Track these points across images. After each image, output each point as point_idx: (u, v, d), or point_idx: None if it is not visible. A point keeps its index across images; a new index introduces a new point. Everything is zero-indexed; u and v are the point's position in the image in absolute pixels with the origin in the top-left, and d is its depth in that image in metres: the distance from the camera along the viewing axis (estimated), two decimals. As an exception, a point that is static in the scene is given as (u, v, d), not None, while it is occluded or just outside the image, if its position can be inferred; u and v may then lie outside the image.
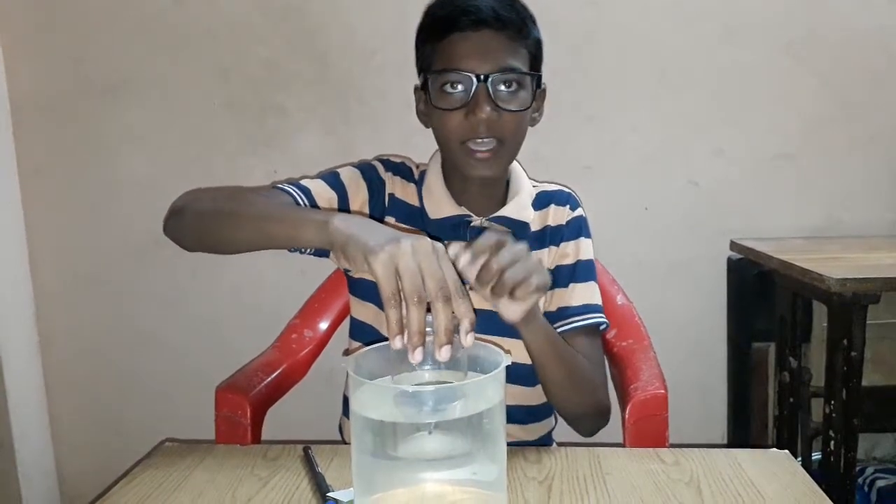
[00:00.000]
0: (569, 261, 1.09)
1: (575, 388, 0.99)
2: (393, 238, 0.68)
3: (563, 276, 1.09)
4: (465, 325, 0.67)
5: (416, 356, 0.64)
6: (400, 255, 0.66)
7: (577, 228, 1.11)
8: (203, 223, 0.89)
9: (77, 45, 1.67)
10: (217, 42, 1.66)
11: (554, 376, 0.97)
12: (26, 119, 1.70)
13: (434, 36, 1.00)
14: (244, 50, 1.66)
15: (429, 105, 1.01)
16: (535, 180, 1.15)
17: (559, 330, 1.05)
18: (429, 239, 0.70)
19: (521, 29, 0.99)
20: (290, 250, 0.89)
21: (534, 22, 1.03)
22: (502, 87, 0.98)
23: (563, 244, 1.10)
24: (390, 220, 1.07)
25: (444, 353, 0.65)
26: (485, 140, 0.98)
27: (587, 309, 1.07)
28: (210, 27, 1.66)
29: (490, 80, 0.96)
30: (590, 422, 1.05)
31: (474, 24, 0.96)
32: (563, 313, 1.07)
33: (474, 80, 0.96)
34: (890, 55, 1.63)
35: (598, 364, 1.09)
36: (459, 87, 0.97)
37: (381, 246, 0.67)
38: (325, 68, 1.66)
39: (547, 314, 1.06)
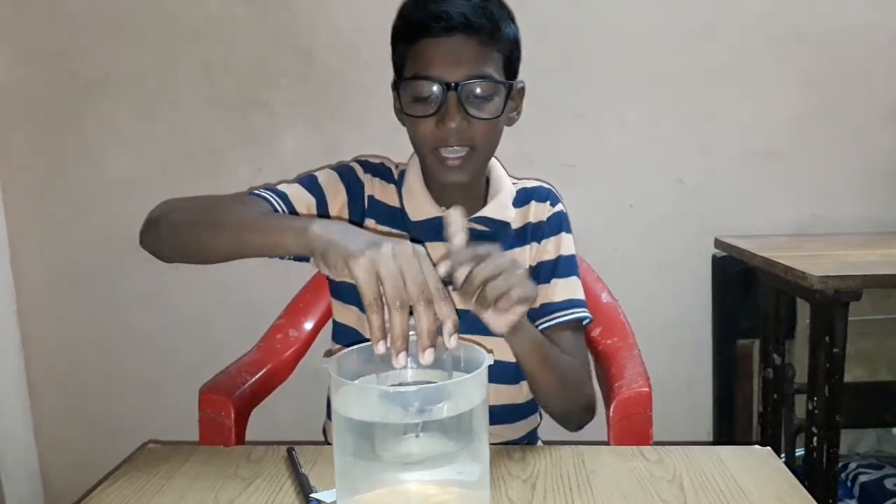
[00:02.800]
0: (550, 256, 1.09)
1: (564, 390, 1.00)
2: (373, 242, 0.68)
3: (544, 273, 1.08)
4: (449, 326, 0.66)
5: (400, 360, 0.64)
6: (381, 260, 0.66)
7: (558, 224, 1.11)
8: (179, 234, 0.87)
9: (59, 39, 1.66)
10: (201, 38, 1.65)
11: (543, 382, 0.97)
12: (7, 114, 1.68)
13: (405, 39, 0.99)
14: (228, 46, 1.65)
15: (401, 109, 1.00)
16: (514, 177, 1.15)
17: (542, 326, 1.05)
18: (410, 242, 0.69)
19: (494, 33, 0.96)
20: (269, 257, 0.88)
21: (511, 20, 1.01)
22: (473, 95, 0.96)
23: (543, 241, 1.10)
24: (370, 222, 1.06)
25: (427, 357, 0.65)
26: (456, 148, 0.97)
27: (570, 304, 1.07)
28: (194, 23, 1.65)
29: (460, 87, 0.94)
30: (577, 418, 1.05)
31: (445, 31, 0.94)
32: (546, 309, 1.06)
33: (444, 88, 0.94)
34: (873, 52, 1.65)
35: (582, 359, 1.08)
36: (429, 94, 0.95)
37: (361, 251, 0.66)
38: (310, 65, 1.66)
39: (530, 311, 1.04)
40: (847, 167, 1.69)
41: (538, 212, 1.11)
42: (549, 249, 1.09)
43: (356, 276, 0.66)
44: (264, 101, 1.67)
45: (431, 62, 0.95)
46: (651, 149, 1.68)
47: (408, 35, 0.98)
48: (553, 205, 1.12)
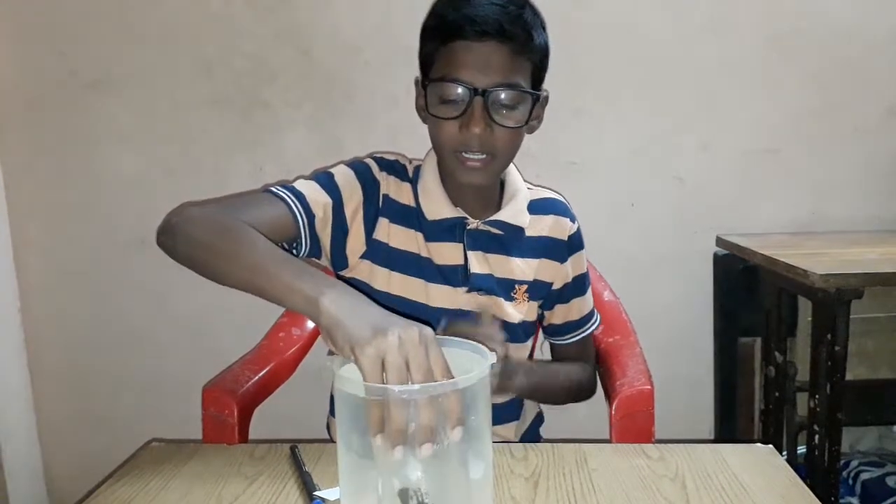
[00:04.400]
0: (569, 278, 1.12)
1: (566, 398, 1.16)
2: (381, 329, 0.66)
3: (566, 293, 1.13)
4: (452, 419, 0.63)
5: (396, 454, 0.62)
6: (387, 349, 0.64)
7: (578, 242, 1.13)
8: (194, 253, 0.86)
9: (60, 38, 1.66)
10: (202, 37, 1.65)
11: (546, 401, 1.17)
12: (10, 113, 1.68)
13: (437, 38, 0.97)
14: (229, 45, 1.65)
15: (425, 107, 1.00)
16: (529, 183, 1.15)
17: (561, 342, 1.17)
18: (417, 326, 0.67)
19: (527, 42, 0.96)
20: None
21: (543, 28, 1.00)
22: (500, 102, 0.95)
23: (565, 263, 1.12)
24: (384, 221, 1.05)
25: (424, 451, 0.62)
26: (477, 152, 0.97)
27: (587, 319, 1.17)
28: (195, 22, 1.64)
29: (487, 94, 0.94)
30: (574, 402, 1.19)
31: (478, 35, 0.93)
32: (566, 328, 1.16)
33: (471, 92, 0.94)
34: (873, 49, 1.64)
35: (590, 362, 1.20)
36: (456, 97, 0.95)
37: (368, 340, 0.65)
38: (311, 64, 1.66)
39: (551, 325, 1.17)
40: (848, 165, 1.68)
41: (558, 228, 1.11)
42: (568, 272, 1.12)
43: (361, 365, 0.65)
44: (265, 100, 1.67)
45: (461, 66, 0.94)
46: (652, 147, 1.68)
47: (440, 35, 0.97)
48: (572, 221, 1.13)
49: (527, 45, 0.96)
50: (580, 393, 1.16)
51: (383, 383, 0.64)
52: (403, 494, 0.64)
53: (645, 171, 1.69)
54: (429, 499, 0.64)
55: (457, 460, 0.66)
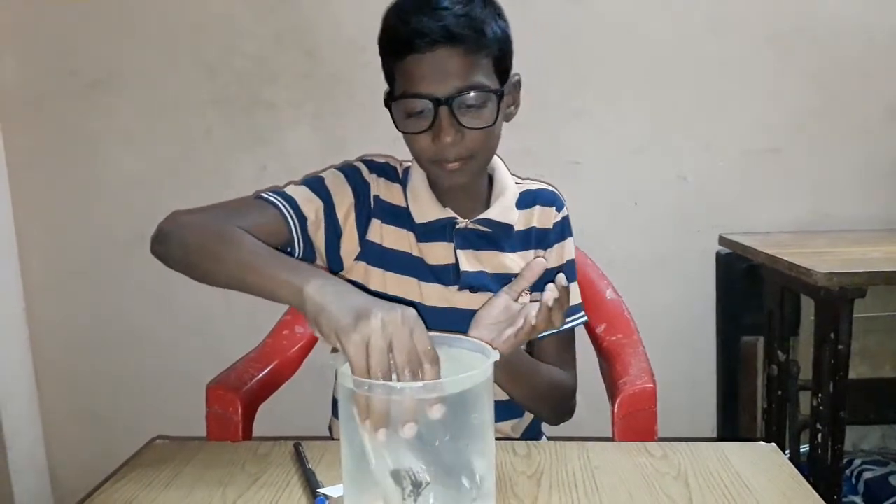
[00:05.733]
0: (554, 264, 1.10)
1: (542, 400, 1.06)
2: (364, 314, 0.67)
3: (549, 281, 1.10)
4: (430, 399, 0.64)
5: (380, 437, 0.63)
6: (371, 333, 0.66)
7: (562, 230, 1.12)
8: (187, 257, 0.88)
9: (63, 39, 1.66)
10: (204, 37, 1.66)
11: (524, 395, 1.03)
12: (13, 114, 1.69)
13: (391, 55, 0.97)
14: (232, 45, 1.66)
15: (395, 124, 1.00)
16: (517, 176, 1.15)
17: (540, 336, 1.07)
18: (400, 308, 0.68)
19: (479, 40, 0.94)
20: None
21: (497, 17, 0.98)
22: (465, 106, 0.94)
23: (549, 249, 1.10)
24: (376, 222, 1.06)
25: (407, 431, 0.63)
26: (454, 158, 0.97)
27: (572, 311, 1.10)
28: (197, 22, 1.65)
29: (451, 102, 0.93)
30: (554, 421, 1.11)
31: (429, 45, 0.92)
32: None
33: (435, 104, 0.93)
34: (875, 48, 1.64)
35: (571, 367, 1.12)
36: (421, 111, 0.95)
37: (352, 326, 0.66)
38: (314, 63, 1.66)
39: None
40: (851, 164, 1.68)
41: (543, 217, 1.11)
42: (554, 257, 1.11)
43: (347, 350, 0.66)
44: (268, 100, 1.67)
45: (418, 79, 0.94)
46: (653, 146, 1.68)
47: (392, 51, 0.97)
48: (559, 210, 1.12)
49: (480, 43, 0.94)
50: (562, 401, 1.09)
51: (368, 368, 0.65)
52: (396, 475, 0.65)
53: (647, 170, 1.69)
54: (422, 476, 0.65)
55: (455, 448, 0.67)
